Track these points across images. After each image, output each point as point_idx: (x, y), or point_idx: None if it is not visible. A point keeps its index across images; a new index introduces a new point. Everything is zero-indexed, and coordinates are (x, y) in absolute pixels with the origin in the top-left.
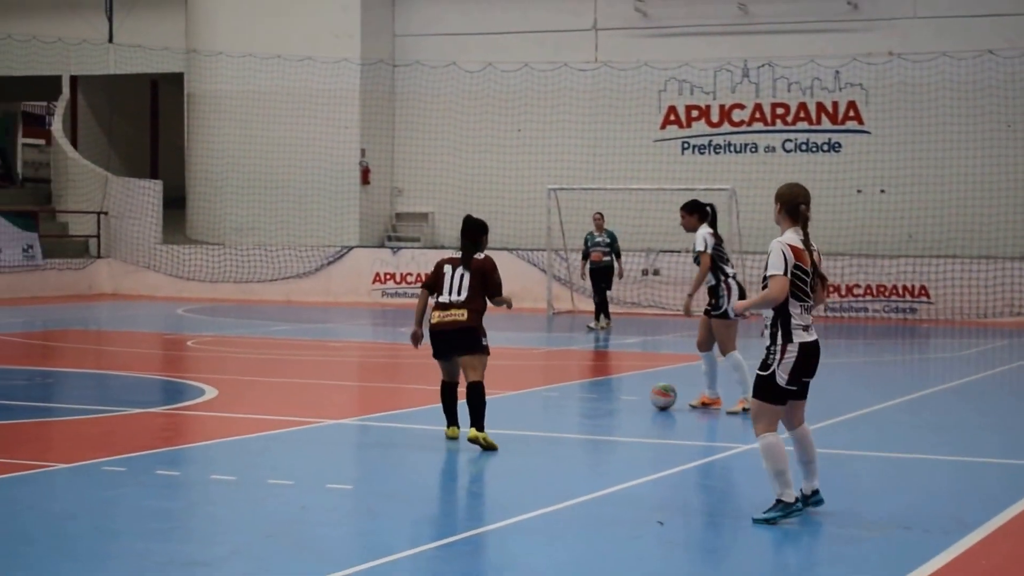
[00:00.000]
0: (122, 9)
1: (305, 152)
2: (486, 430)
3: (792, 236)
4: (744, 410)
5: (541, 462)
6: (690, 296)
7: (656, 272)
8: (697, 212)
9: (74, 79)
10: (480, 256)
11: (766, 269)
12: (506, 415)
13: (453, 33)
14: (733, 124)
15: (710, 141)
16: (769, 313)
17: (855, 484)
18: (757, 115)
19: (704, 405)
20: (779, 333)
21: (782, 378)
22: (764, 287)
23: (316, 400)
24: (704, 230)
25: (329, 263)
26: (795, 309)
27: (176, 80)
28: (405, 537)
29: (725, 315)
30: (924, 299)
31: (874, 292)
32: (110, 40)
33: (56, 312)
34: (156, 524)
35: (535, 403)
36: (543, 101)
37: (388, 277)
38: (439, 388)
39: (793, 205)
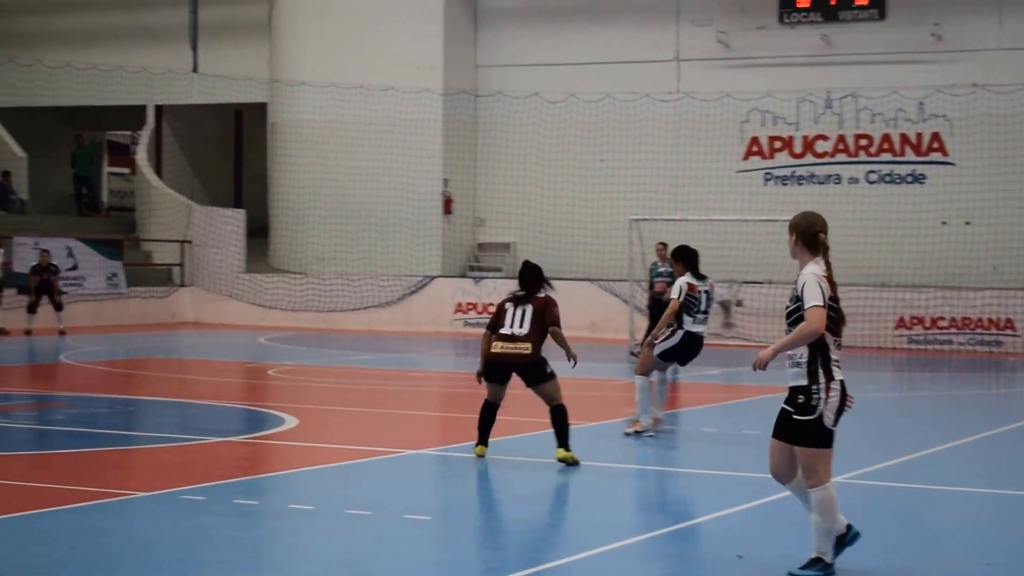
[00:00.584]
0: (206, 39)
1: (387, 181)
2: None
3: (817, 268)
4: (637, 432)
5: (619, 494)
6: (658, 328)
7: (739, 303)
8: (682, 261)
9: (159, 108)
10: (542, 295)
11: (795, 303)
12: (585, 446)
13: (535, 64)
14: (816, 155)
15: (793, 172)
16: (800, 350)
17: (939, 520)
18: (840, 146)
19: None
20: (820, 371)
21: (829, 419)
22: (790, 323)
23: (396, 430)
24: (682, 280)
25: (411, 293)
26: (831, 342)
27: (259, 110)
28: (482, 569)
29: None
30: (1010, 332)
31: (959, 325)
32: (194, 70)
33: (139, 340)
34: (234, 553)
35: (614, 434)
36: (625, 132)
37: (470, 307)
38: (481, 408)
39: (811, 234)
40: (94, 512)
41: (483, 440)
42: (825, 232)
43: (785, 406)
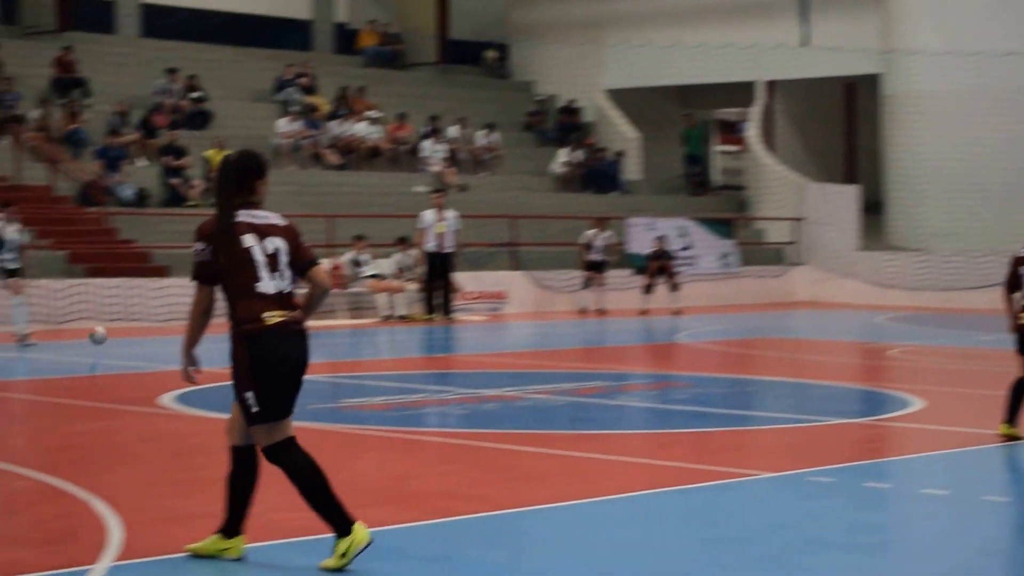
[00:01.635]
0: (817, 11)
1: (1007, 153)
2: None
3: None
4: None
5: None
6: None
7: None
8: None
9: (770, 84)
10: None
11: None
12: None
13: None
14: None
15: None
16: None
17: None
18: None
19: None
20: None
21: None
22: None
23: None
24: None
25: None
26: None
27: (871, 81)
28: None
29: None
30: None
31: None
32: (804, 43)
33: (753, 320)
34: (869, 537)
35: None
36: None
37: None
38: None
39: None
40: (717, 491)
41: (1011, 418)
42: None
43: None
